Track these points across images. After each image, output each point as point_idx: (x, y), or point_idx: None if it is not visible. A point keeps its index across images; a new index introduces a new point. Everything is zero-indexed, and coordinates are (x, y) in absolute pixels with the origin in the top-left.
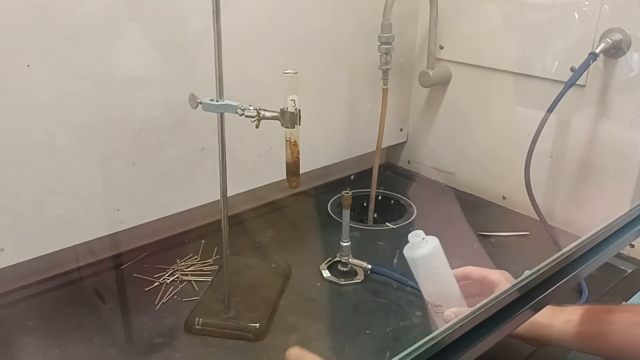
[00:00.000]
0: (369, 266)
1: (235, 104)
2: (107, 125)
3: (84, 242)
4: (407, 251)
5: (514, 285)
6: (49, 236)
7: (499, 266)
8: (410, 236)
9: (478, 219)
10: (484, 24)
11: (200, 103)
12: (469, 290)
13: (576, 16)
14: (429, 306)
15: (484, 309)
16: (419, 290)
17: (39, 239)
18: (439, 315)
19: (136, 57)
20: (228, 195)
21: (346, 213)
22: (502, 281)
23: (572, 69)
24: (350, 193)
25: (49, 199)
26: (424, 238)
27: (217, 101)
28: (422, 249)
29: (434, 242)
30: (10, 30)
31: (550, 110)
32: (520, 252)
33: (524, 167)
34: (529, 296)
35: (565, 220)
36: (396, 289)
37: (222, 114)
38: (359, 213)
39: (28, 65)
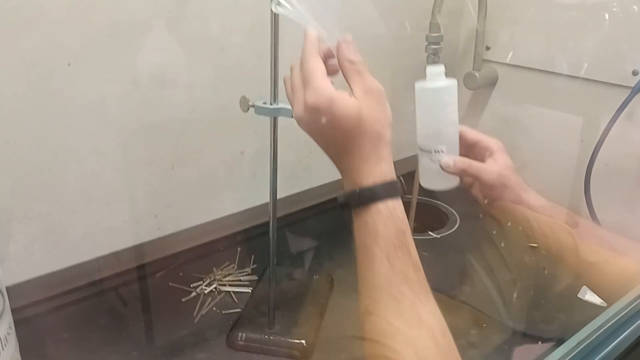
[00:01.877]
0: None
1: (290, 107)
2: (149, 128)
3: (120, 250)
4: (422, 83)
5: None
6: (86, 243)
7: (553, 281)
8: (429, 68)
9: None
10: (535, 23)
11: (253, 106)
12: (460, 152)
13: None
14: (426, 150)
15: None
16: (472, 306)
17: (76, 246)
18: (435, 162)
19: (179, 56)
20: (266, 201)
21: None
22: (496, 151)
23: (634, 73)
24: None
25: (88, 205)
26: (444, 73)
27: (270, 104)
28: (441, 81)
29: (453, 80)
30: (51, 27)
31: (616, 116)
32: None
33: (575, 176)
34: None
35: (622, 232)
36: (443, 305)
37: (275, 119)
38: None
39: (69, 65)
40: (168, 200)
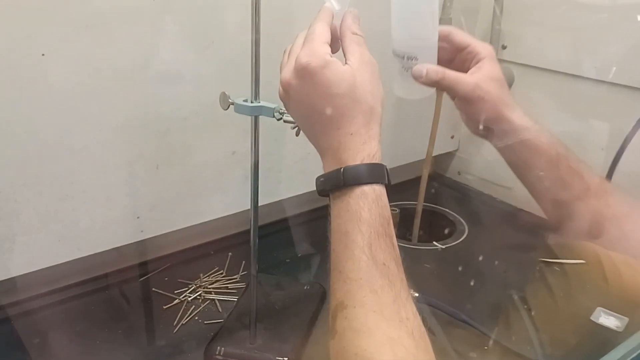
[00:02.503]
0: (415, 294)
1: (272, 106)
2: (130, 125)
3: (99, 252)
4: None
5: None
6: (61, 245)
7: (566, 300)
8: None
9: (539, 243)
10: (555, 21)
11: (232, 104)
12: (444, 56)
13: None
14: (399, 55)
15: None
16: (472, 325)
17: (50, 248)
18: (407, 69)
19: (164, 50)
20: (259, 204)
21: None
22: (484, 58)
23: None
24: (397, 211)
25: (63, 204)
26: None
27: (251, 102)
28: None
29: None
30: (24, 15)
31: None
32: (591, 284)
33: None
34: None
35: None
36: (445, 323)
37: (256, 117)
38: (401, 228)
39: (43, 55)
40: (152, 201)
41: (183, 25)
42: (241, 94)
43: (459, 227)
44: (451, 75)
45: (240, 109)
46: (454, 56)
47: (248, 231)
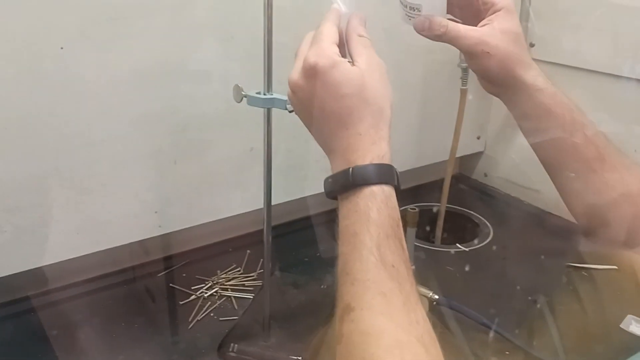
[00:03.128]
0: (435, 296)
1: (285, 98)
2: (149, 118)
3: (117, 247)
4: None
5: None
6: (79, 238)
7: (595, 306)
8: None
9: (567, 247)
10: (586, 18)
11: (245, 96)
12: (458, 2)
13: None
14: (403, 3)
15: None
16: (497, 331)
17: (69, 240)
18: (411, 19)
19: (183, 44)
20: (278, 202)
21: (411, 232)
22: (502, 8)
23: None
24: (417, 210)
25: (82, 197)
26: None
27: (264, 94)
28: None
29: None
30: (43, 6)
31: None
32: (622, 290)
33: None
34: None
35: None
36: (467, 327)
37: (269, 110)
38: (424, 230)
39: (62, 48)
40: (170, 196)
41: (203, 19)
42: (260, 89)
43: (484, 230)
44: (454, 28)
45: (253, 101)
46: (468, 6)
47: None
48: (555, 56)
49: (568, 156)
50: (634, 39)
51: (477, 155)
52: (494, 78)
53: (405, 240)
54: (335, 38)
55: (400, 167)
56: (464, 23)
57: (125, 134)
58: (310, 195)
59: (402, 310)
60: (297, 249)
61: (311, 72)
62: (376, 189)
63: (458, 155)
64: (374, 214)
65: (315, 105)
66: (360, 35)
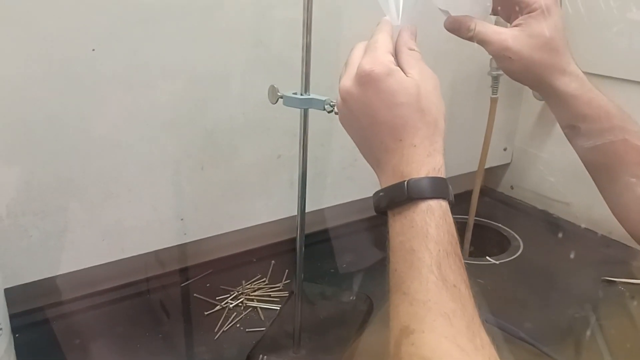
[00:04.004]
0: None
1: (323, 98)
2: (177, 122)
3: (142, 254)
4: None
5: None
6: (104, 244)
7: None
8: None
9: (601, 261)
10: (623, 25)
11: (282, 97)
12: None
13: None
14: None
15: None
16: (532, 344)
17: (95, 247)
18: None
19: (212, 47)
20: (293, 214)
21: None
22: (536, 10)
23: None
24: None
25: (108, 201)
26: None
27: (301, 95)
28: None
29: None
30: (75, 7)
31: None
32: None
33: None
34: None
35: None
36: (503, 341)
37: (305, 111)
38: None
39: (93, 50)
40: (196, 202)
41: (232, 24)
42: (290, 93)
43: (514, 243)
44: (481, 31)
45: (289, 102)
46: (509, 2)
47: (292, 239)
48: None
49: (609, 162)
50: None
51: (504, 168)
52: (523, 82)
53: None
54: (390, 48)
55: None
56: (506, 20)
57: (153, 137)
58: (335, 205)
59: (466, 333)
60: (323, 260)
61: (366, 79)
62: (433, 204)
63: (486, 167)
64: (433, 230)
65: (368, 114)
66: (410, 49)
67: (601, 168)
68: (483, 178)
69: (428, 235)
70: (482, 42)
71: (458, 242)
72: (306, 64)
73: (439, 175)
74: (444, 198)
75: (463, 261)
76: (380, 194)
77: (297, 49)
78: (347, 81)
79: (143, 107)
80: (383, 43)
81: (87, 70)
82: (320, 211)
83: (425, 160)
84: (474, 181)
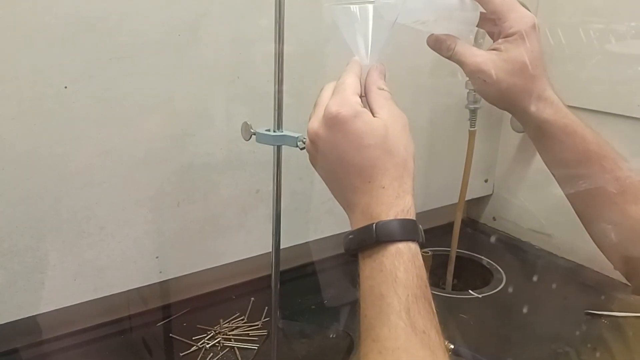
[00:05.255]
0: (451, 346)
1: (296, 135)
2: (152, 158)
3: (115, 294)
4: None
5: None
6: (77, 284)
7: (620, 354)
8: None
9: (583, 293)
10: (594, 59)
11: (254, 133)
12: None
13: None
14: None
15: None
16: None
17: (66, 287)
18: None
19: (188, 83)
20: (283, 246)
21: None
22: (514, 34)
23: None
24: (430, 253)
25: (80, 241)
26: None
27: (274, 131)
28: None
29: None
30: (48, 47)
31: None
32: None
33: None
34: None
35: None
36: None
37: (279, 148)
38: (434, 276)
39: (65, 87)
40: (172, 240)
41: (208, 59)
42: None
43: (496, 276)
44: (459, 51)
45: (262, 139)
46: (490, 22)
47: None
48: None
49: (587, 190)
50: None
51: (485, 199)
52: (498, 106)
53: None
54: (358, 89)
55: None
56: (493, 39)
57: (127, 174)
58: (316, 240)
59: None
60: (303, 296)
61: (333, 122)
62: (402, 247)
63: (466, 199)
64: (402, 274)
65: (336, 156)
66: (380, 88)
67: (580, 196)
68: (465, 209)
69: (397, 280)
70: (459, 62)
71: (428, 286)
72: (278, 100)
73: (408, 217)
74: (413, 240)
75: (433, 305)
76: (350, 236)
77: (273, 83)
78: (315, 123)
79: (117, 144)
80: (350, 84)
81: (59, 108)
82: (301, 246)
83: (394, 202)
84: (455, 213)
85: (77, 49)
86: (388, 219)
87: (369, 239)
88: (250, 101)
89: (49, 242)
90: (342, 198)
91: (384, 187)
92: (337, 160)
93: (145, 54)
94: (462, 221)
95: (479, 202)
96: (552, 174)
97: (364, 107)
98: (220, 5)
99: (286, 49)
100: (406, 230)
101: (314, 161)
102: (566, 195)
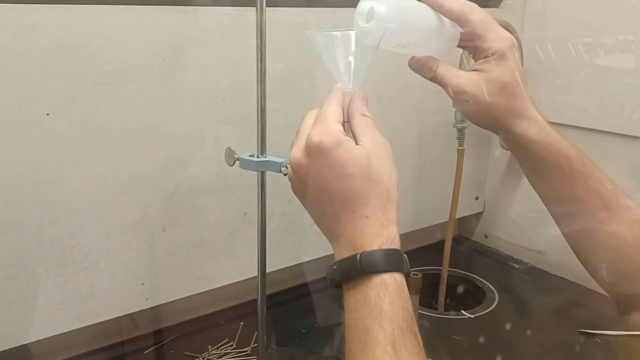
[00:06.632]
0: None
1: (280, 160)
2: (136, 184)
3: (100, 322)
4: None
5: None
6: (59, 314)
7: None
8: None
9: (576, 312)
10: (583, 73)
11: (238, 159)
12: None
13: None
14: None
15: None
16: None
17: (49, 317)
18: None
19: (173, 107)
20: (273, 269)
21: (414, 300)
22: (494, 54)
23: None
24: (419, 275)
25: (63, 269)
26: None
27: (257, 157)
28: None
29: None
30: (29, 73)
31: None
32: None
33: None
34: None
35: None
36: None
37: (263, 174)
38: (426, 296)
39: (47, 114)
40: (157, 266)
41: (193, 83)
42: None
43: (489, 295)
44: (441, 72)
45: (245, 165)
46: (469, 42)
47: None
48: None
49: (572, 209)
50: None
51: (477, 216)
52: (482, 126)
53: None
54: (340, 117)
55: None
56: (475, 59)
57: (111, 200)
58: (306, 262)
59: None
60: (294, 319)
61: (315, 151)
62: (387, 278)
63: (457, 216)
64: (387, 306)
65: (318, 185)
66: (363, 115)
67: (565, 215)
68: (457, 227)
69: (382, 313)
70: (441, 84)
71: (414, 318)
72: (261, 126)
73: (392, 247)
74: (398, 270)
75: (420, 339)
76: (334, 267)
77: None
78: (297, 152)
79: (100, 170)
80: (332, 113)
81: (41, 135)
82: (290, 268)
83: (378, 232)
84: (452, 230)
85: (59, 76)
86: (372, 249)
87: (353, 270)
88: (237, 124)
89: (31, 272)
90: (325, 228)
91: (367, 217)
92: (320, 189)
93: (129, 79)
94: (454, 239)
95: (471, 220)
96: (537, 193)
97: (347, 134)
98: (204, 28)
99: (274, 70)
100: (391, 261)
101: (296, 190)
102: (551, 214)
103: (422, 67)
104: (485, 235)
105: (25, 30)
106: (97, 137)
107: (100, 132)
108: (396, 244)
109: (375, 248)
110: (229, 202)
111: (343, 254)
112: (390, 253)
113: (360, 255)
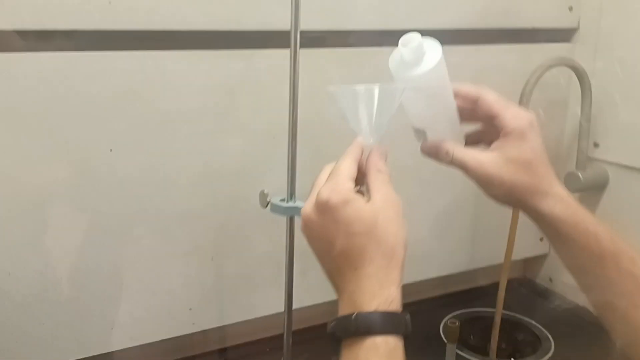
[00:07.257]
0: None
1: None
2: (189, 215)
3: (150, 343)
4: (396, 64)
5: None
6: (113, 333)
7: None
8: (403, 42)
9: None
10: None
11: (269, 202)
12: (473, 119)
13: None
14: (414, 130)
15: None
16: None
17: (104, 335)
18: (420, 141)
19: (228, 145)
20: (304, 305)
21: (450, 350)
22: (510, 133)
23: None
24: (457, 324)
25: (120, 292)
26: (422, 45)
27: (286, 202)
28: (422, 63)
29: (437, 51)
30: (95, 113)
31: None
32: None
33: None
34: None
35: None
36: None
37: (291, 218)
38: (479, 339)
39: (111, 150)
40: (205, 293)
41: (246, 121)
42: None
43: (545, 344)
44: (458, 156)
45: (275, 209)
46: (485, 122)
47: (304, 329)
48: (624, 157)
49: (604, 288)
50: None
51: (542, 258)
52: (506, 205)
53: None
54: (353, 174)
55: (450, 268)
56: (486, 139)
57: (165, 231)
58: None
59: None
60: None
61: (324, 208)
62: (379, 341)
63: (521, 257)
64: None
65: (326, 240)
66: (379, 171)
67: (597, 296)
68: (523, 268)
69: None
70: (461, 167)
71: None
72: (291, 171)
73: (391, 309)
74: (393, 333)
75: None
76: (332, 323)
77: (308, 144)
78: (308, 207)
79: (157, 202)
80: (345, 169)
81: (104, 169)
82: (325, 304)
83: (378, 292)
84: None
85: (123, 115)
86: (370, 309)
87: (348, 329)
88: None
89: (90, 293)
90: (332, 281)
91: (369, 276)
92: (326, 244)
93: (187, 120)
94: (517, 281)
95: (536, 261)
96: (567, 268)
97: (361, 189)
98: (254, 72)
99: (303, 118)
100: (386, 323)
101: (308, 241)
102: (580, 287)
103: (437, 151)
104: (550, 278)
105: (95, 75)
106: (155, 172)
107: (159, 167)
108: (395, 306)
109: (373, 309)
110: (275, 235)
111: (344, 310)
112: (386, 316)
113: (356, 315)
